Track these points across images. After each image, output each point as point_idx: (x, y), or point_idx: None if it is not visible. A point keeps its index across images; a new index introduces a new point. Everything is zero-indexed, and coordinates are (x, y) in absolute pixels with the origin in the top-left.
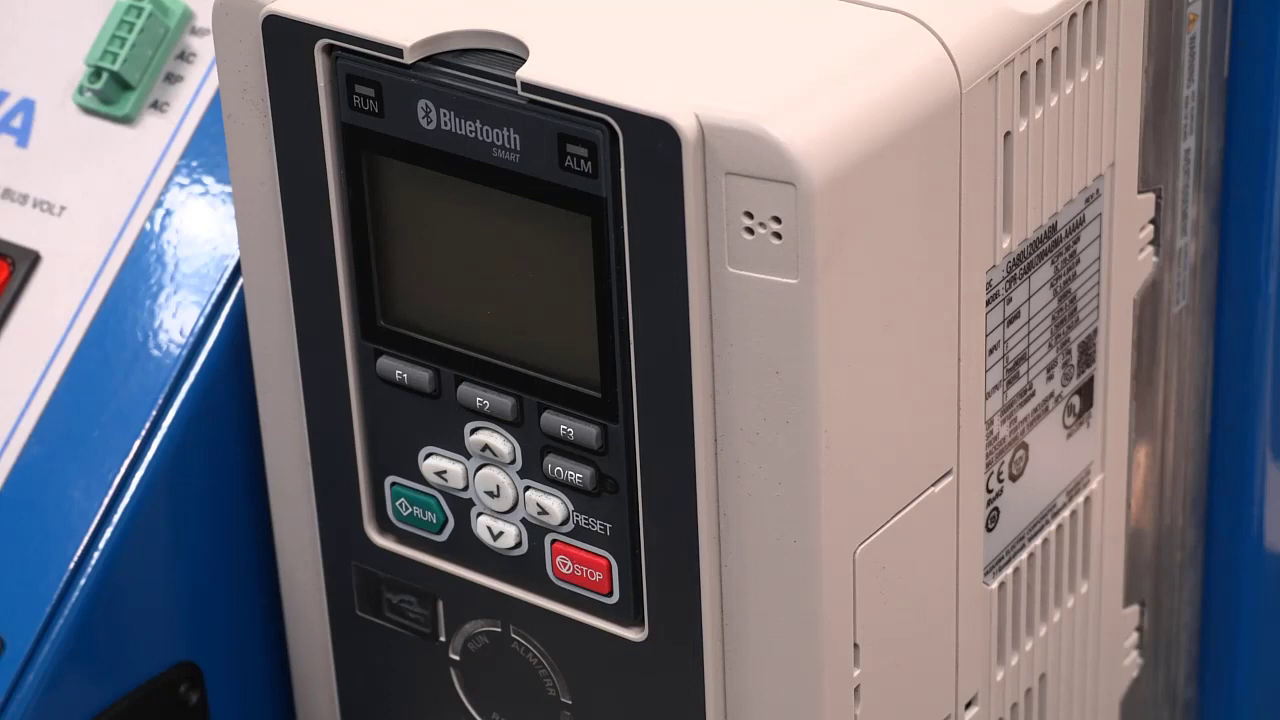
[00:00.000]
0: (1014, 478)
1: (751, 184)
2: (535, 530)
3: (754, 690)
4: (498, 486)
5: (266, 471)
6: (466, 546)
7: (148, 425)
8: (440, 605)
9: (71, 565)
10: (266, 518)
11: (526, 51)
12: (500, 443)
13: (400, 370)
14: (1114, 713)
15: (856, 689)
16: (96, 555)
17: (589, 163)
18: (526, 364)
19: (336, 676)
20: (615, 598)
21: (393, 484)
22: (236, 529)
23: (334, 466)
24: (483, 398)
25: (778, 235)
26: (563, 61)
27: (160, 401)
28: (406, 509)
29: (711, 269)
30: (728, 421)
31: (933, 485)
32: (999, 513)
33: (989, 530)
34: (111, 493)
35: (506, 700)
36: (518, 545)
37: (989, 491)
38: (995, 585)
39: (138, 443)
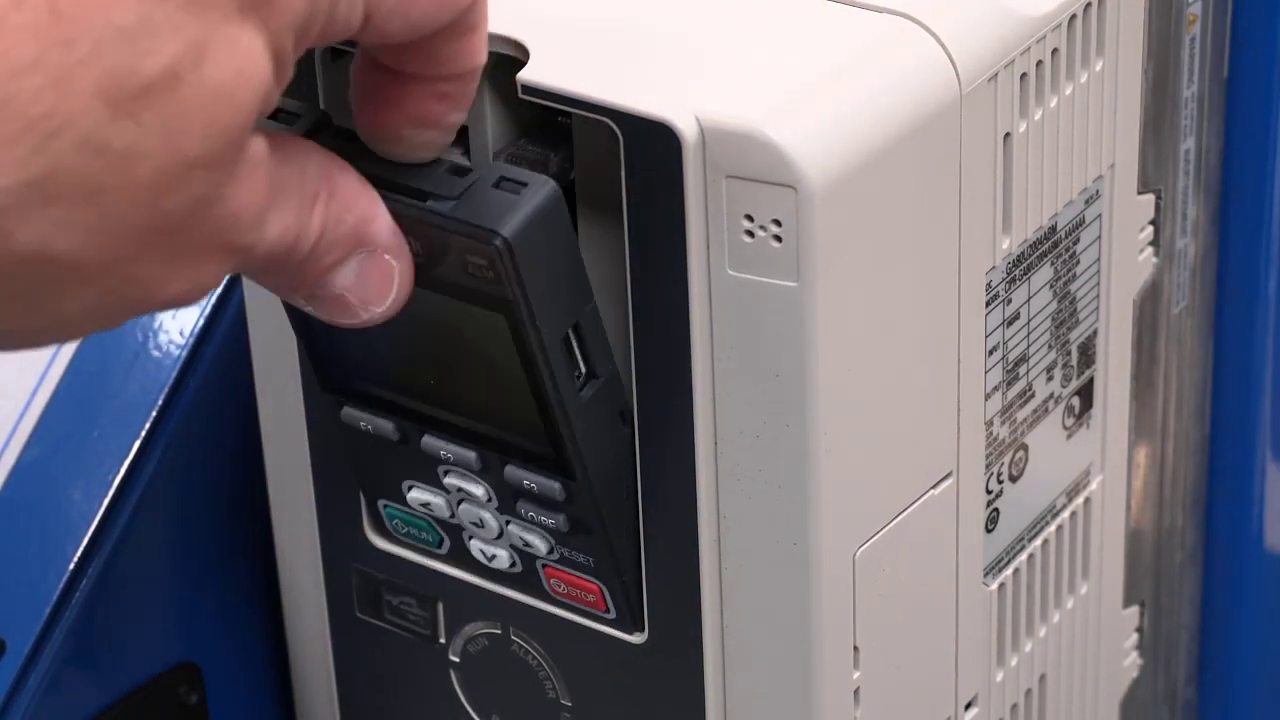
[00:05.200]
0: (1014, 479)
1: (752, 187)
2: (525, 555)
3: (754, 692)
4: (481, 519)
5: (266, 472)
6: (465, 557)
7: (148, 425)
8: (440, 607)
9: (71, 565)
10: (266, 518)
11: (526, 54)
12: (473, 486)
13: (364, 421)
14: (1114, 713)
15: (856, 691)
16: (96, 555)
17: (490, 270)
18: (479, 426)
19: (336, 677)
20: (612, 614)
21: (384, 505)
22: (236, 529)
23: (334, 467)
24: (446, 450)
25: (778, 238)
26: (563, 64)
27: (160, 402)
28: (403, 529)
29: (711, 272)
30: (728, 424)
31: (932, 487)
32: (999, 514)
33: (989, 531)
34: (111, 493)
35: (506, 702)
36: (512, 565)
37: (989, 493)
38: (995, 586)
39: (138, 443)
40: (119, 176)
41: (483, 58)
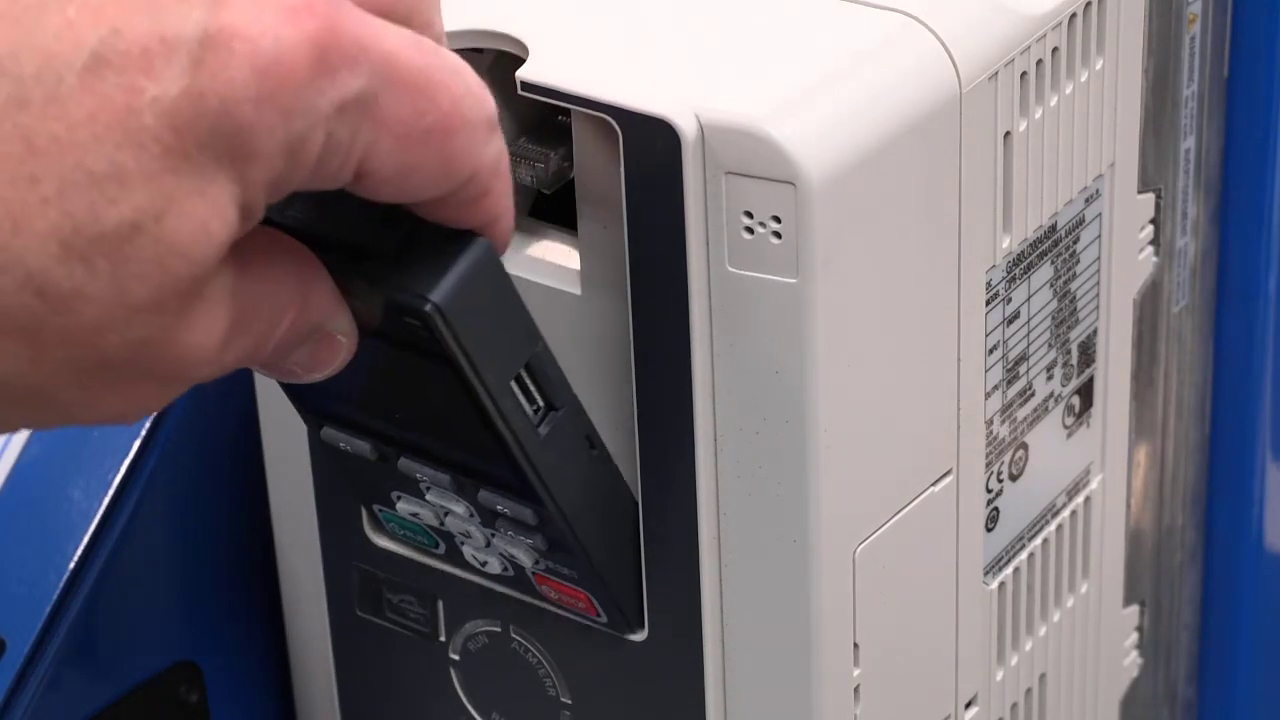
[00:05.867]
0: (1014, 478)
1: (751, 183)
2: (515, 564)
3: (754, 690)
4: (467, 531)
5: (266, 471)
6: (461, 560)
7: (148, 425)
8: (440, 605)
9: (72, 565)
10: (266, 517)
11: (526, 51)
12: (453, 504)
13: (343, 441)
14: (1114, 713)
15: (856, 689)
16: (96, 555)
17: (425, 331)
18: (450, 453)
19: (336, 676)
20: (604, 618)
21: (379, 510)
22: (236, 529)
23: (334, 467)
24: (421, 473)
25: (777, 235)
26: (563, 61)
27: None
28: (399, 531)
29: (711, 269)
30: (728, 421)
31: (933, 485)
32: (999, 513)
33: (989, 530)
34: (111, 493)
35: (506, 700)
36: (505, 570)
37: (989, 491)
38: (995, 585)
39: (138, 443)
40: (60, 316)
41: (495, 214)
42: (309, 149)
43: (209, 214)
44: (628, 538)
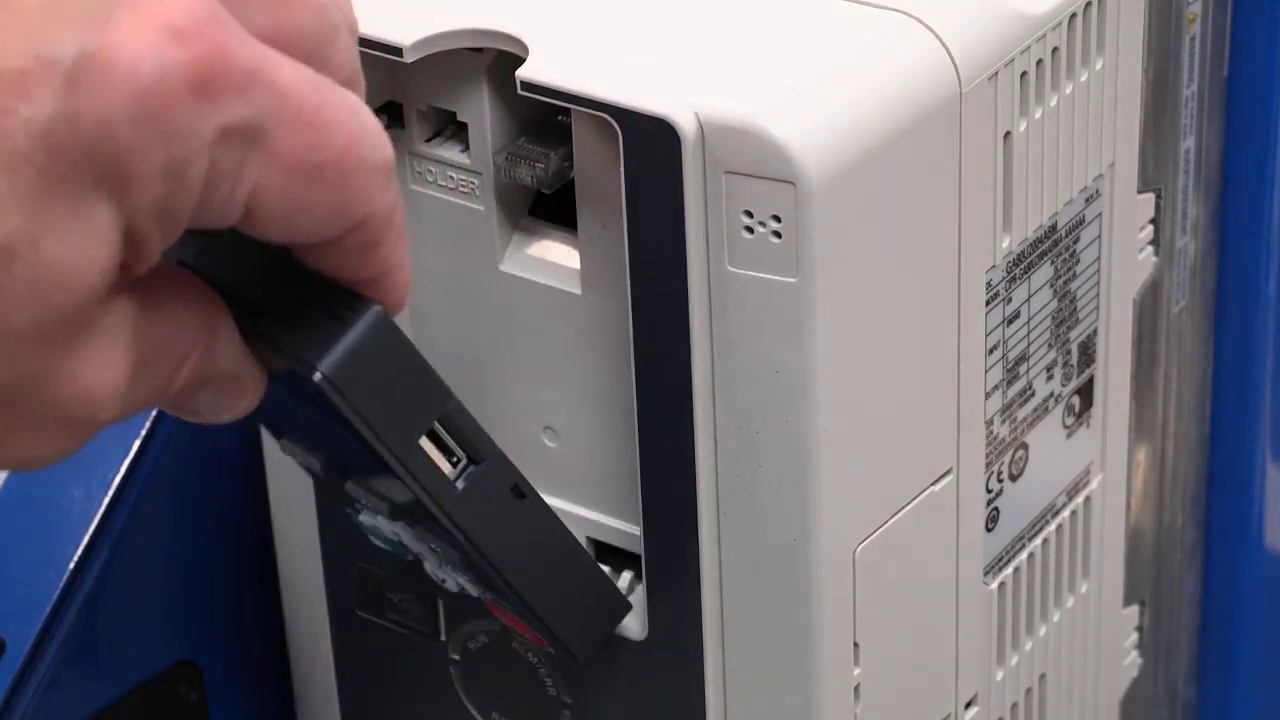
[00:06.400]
0: (1014, 477)
1: (751, 183)
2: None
3: (754, 689)
4: (420, 553)
5: (266, 471)
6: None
7: (148, 425)
8: (440, 605)
9: (71, 565)
10: (266, 517)
11: (526, 51)
12: (399, 529)
13: (299, 455)
14: (1114, 713)
15: (856, 688)
16: (96, 555)
17: (320, 396)
18: (381, 490)
19: (337, 675)
20: (551, 650)
21: (348, 513)
22: (236, 529)
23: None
24: (364, 499)
25: (777, 234)
26: (562, 61)
27: None
28: (370, 538)
29: (711, 268)
30: (727, 421)
31: (932, 484)
32: (999, 512)
33: (989, 530)
34: (111, 493)
35: (506, 699)
36: (461, 590)
37: (989, 491)
38: (995, 585)
39: (138, 443)
40: None
41: (386, 267)
42: (191, 176)
43: (88, 240)
44: (563, 579)
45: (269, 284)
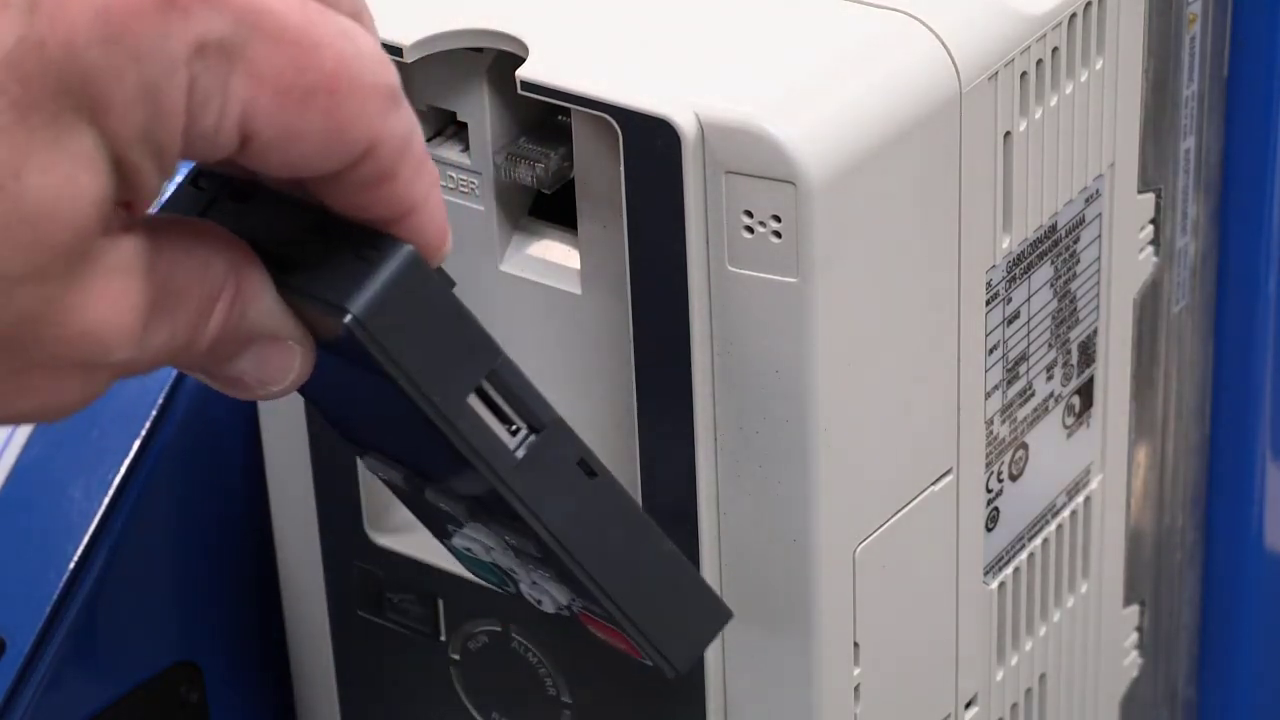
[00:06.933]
0: (1014, 477)
1: (751, 183)
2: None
3: (754, 689)
4: (512, 569)
5: (266, 471)
6: (524, 598)
7: (148, 425)
8: (440, 605)
9: (72, 565)
10: (266, 517)
11: (527, 51)
12: (483, 536)
13: (380, 470)
14: (1114, 713)
15: (856, 688)
16: (96, 555)
17: (354, 344)
18: (453, 483)
19: (337, 675)
20: (648, 662)
21: (450, 547)
22: (236, 529)
23: (334, 466)
24: (445, 503)
25: (777, 234)
26: (563, 61)
27: (160, 401)
28: (471, 569)
29: (711, 268)
30: (728, 421)
31: (932, 484)
32: (999, 512)
33: (989, 530)
34: (111, 493)
35: (506, 700)
36: (559, 610)
37: (989, 491)
38: (995, 585)
39: (138, 443)
40: None
41: (408, 203)
42: (171, 96)
43: (73, 168)
44: (654, 576)
45: (300, 237)
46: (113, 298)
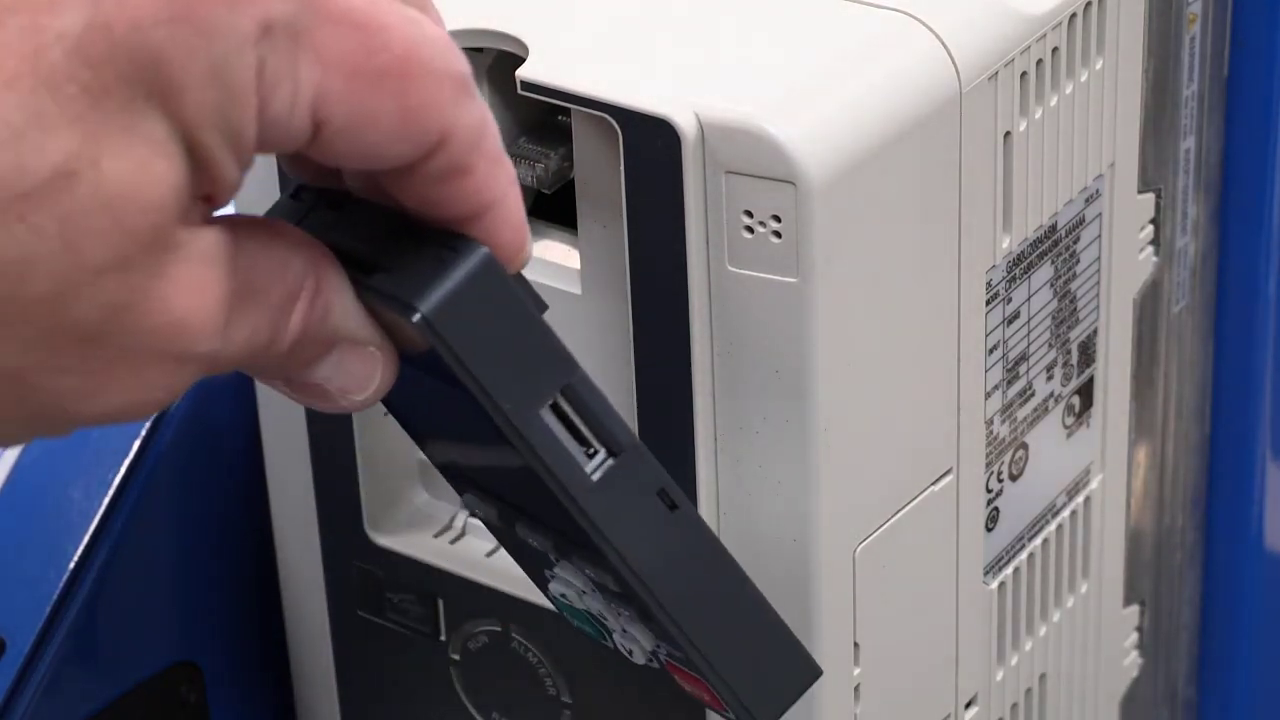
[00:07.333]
0: (1014, 477)
1: (751, 183)
2: (648, 651)
3: None
4: (601, 614)
5: (266, 471)
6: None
7: (148, 426)
8: (440, 605)
9: (72, 565)
10: (266, 518)
11: (526, 51)
12: (571, 575)
13: (477, 508)
14: (1114, 713)
15: (856, 688)
16: (96, 555)
17: (426, 345)
18: (542, 514)
19: (337, 675)
20: (730, 714)
21: (548, 594)
22: (236, 529)
23: (334, 466)
24: (533, 538)
25: (777, 234)
26: (562, 61)
27: None
28: (574, 623)
29: (711, 268)
30: (728, 420)
31: (932, 484)
32: (999, 512)
33: (989, 530)
34: (111, 493)
35: (506, 700)
36: (650, 661)
37: (989, 491)
38: (995, 585)
39: (138, 443)
40: (11, 284)
41: (485, 200)
42: (241, 76)
43: (148, 153)
44: (736, 618)
45: (381, 242)
46: (197, 287)
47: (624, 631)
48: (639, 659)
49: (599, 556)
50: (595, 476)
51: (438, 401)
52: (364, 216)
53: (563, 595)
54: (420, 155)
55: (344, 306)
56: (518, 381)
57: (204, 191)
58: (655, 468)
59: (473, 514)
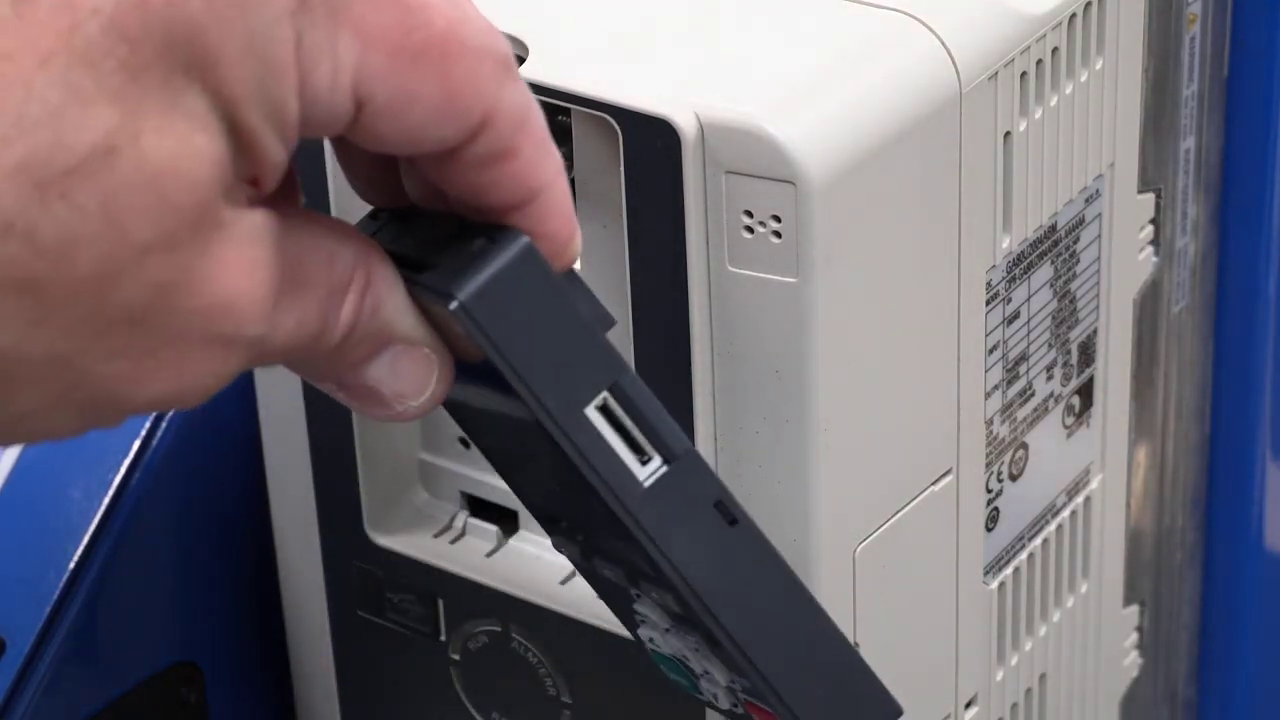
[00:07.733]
0: (1014, 477)
1: (751, 182)
2: (727, 690)
3: None
4: (684, 654)
5: (266, 471)
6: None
7: (148, 425)
8: (440, 605)
9: (72, 565)
10: (266, 517)
11: (527, 51)
12: (648, 609)
13: (564, 548)
14: (1114, 713)
15: None
16: (96, 555)
17: (469, 340)
18: (609, 543)
19: (337, 675)
20: None
21: (638, 638)
22: (236, 529)
23: (334, 466)
24: (609, 570)
25: (777, 234)
26: (563, 61)
27: None
28: (666, 675)
29: (711, 268)
30: (728, 420)
31: (932, 484)
32: (999, 512)
33: (989, 530)
34: (111, 493)
35: (506, 700)
36: (734, 706)
37: (989, 491)
38: (995, 585)
39: (138, 443)
40: (55, 265)
41: (532, 186)
42: (279, 49)
43: (189, 128)
44: (801, 639)
45: (434, 243)
46: (244, 268)
47: (705, 673)
48: (723, 704)
49: (658, 573)
50: (647, 484)
51: (505, 424)
52: (424, 223)
53: (650, 640)
54: (464, 138)
55: (395, 303)
56: (561, 376)
57: (249, 173)
58: (711, 478)
59: (569, 559)
